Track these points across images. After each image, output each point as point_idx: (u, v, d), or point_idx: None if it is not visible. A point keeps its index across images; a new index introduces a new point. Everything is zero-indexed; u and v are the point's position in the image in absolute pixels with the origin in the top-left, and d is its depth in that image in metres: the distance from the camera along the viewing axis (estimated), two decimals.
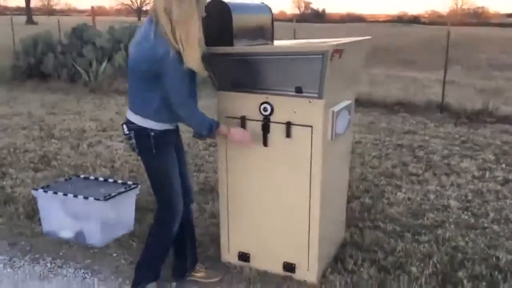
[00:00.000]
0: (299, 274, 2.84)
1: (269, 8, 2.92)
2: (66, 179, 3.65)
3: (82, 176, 3.69)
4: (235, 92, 2.71)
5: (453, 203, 4.05)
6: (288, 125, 2.62)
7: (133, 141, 2.47)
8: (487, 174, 4.82)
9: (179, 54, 2.25)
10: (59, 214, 3.29)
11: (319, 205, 2.68)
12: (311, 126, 2.58)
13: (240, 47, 2.57)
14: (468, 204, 4.02)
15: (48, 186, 3.44)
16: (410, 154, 5.47)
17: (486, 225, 3.62)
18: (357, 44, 2.84)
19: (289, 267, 2.86)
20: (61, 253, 3.15)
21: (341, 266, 2.99)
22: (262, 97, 2.65)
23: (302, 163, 2.65)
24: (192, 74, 2.38)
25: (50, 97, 8.81)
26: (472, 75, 12.67)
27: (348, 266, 2.98)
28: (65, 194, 3.21)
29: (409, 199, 4.15)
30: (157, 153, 2.46)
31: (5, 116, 7.15)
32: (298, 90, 2.56)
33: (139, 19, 50.28)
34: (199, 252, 3.11)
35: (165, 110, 2.39)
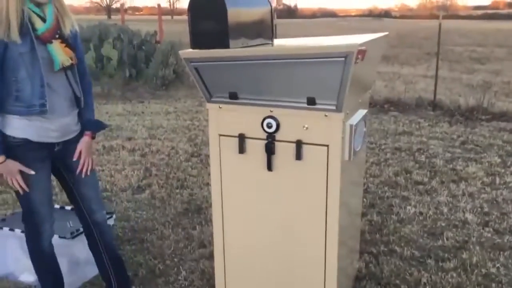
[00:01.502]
0: None
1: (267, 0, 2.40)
2: None
3: None
4: (231, 104, 2.18)
5: (470, 217, 3.61)
6: (299, 144, 2.11)
7: None
8: (497, 180, 4.42)
9: None
10: (18, 255, 2.72)
11: (337, 239, 2.18)
12: (327, 146, 2.08)
13: (238, 49, 2.04)
14: (487, 218, 3.59)
15: (3, 220, 2.86)
16: (411, 159, 5.04)
17: None
18: (377, 42, 2.35)
19: None
20: None
21: None
22: (265, 111, 2.13)
23: (316, 189, 2.14)
24: (2, 54, 2.03)
25: None
26: (455, 68, 12.40)
27: None
28: (23, 232, 2.63)
29: (421, 213, 3.70)
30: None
31: None
32: (311, 102, 2.05)
33: (109, 17, 49.03)
34: None
35: (10, 99, 2.12)
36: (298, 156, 2.12)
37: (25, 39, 2.05)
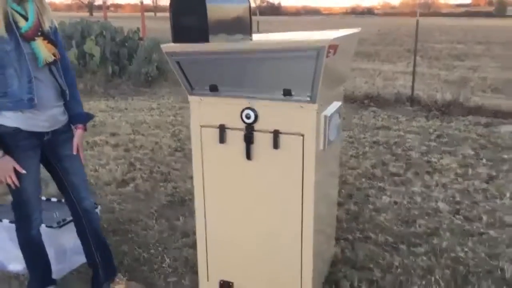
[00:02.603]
0: None
1: None
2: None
3: None
4: (211, 97, 2.30)
5: (442, 205, 3.78)
6: (276, 134, 2.23)
7: None
8: (470, 171, 4.60)
9: None
10: (6, 245, 2.80)
11: (313, 226, 2.32)
12: (303, 135, 2.20)
13: (217, 43, 2.16)
14: (458, 207, 3.77)
15: None
16: (388, 152, 5.21)
17: (482, 230, 3.37)
18: (349, 37, 2.48)
19: None
20: None
21: None
22: (244, 102, 2.25)
23: (292, 177, 2.27)
24: None
25: None
26: (434, 65, 12.65)
27: None
28: (12, 222, 2.72)
29: (395, 203, 3.86)
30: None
31: None
32: (287, 93, 2.18)
33: (91, 14, 48.59)
34: (174, 281, 2.73)
35: None
36: (275, 145, 2.24)
37: (10, 37, 2.13)
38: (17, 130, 2.24)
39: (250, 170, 2.33)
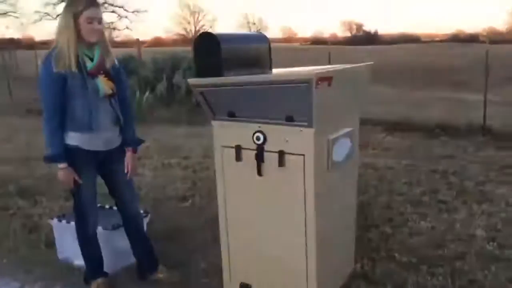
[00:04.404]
0: None
1: (265, 37, 2.94)
2: None
3: (98, 205, 3.80)
4: (229, 121, 2.72)
5: (479, 232, 3.82)
6: (281, 154, 2.59)
7: None
8: None
9: (50, 61, 2.68)
10: (73, 243, 3.38)
11: (315, 236, 2.61)
12: (303, 155, 2.54)
13: (224, 77, 2.59)
14: (495, 234, 3.78)
15: (63, 215, 3.56)
16: (443, 181, 5.24)
17: (511, 257, 3.38)
18: (352, 70, 2.79)
19: None
20: (71, 281, 3.24)
21: None
22: (255, 126, 2.64)
23: (296, 192, 2.60)
24: (63, 85, 2.69)
25: None
26: None
27: None
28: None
29: (433, 228, 3.96)
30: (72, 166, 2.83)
31: None
32: (289, 119, 2.53)
33: None
34: (205, 282, 3.14)
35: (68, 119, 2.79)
36: (281, 163, 2.60)
37: (80, 73, 2.74)
38: (79, 148, 2.82)
39: (261, 185, 2.70)
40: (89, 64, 2.78)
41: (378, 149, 6.86)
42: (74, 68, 2.70)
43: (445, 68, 19.17)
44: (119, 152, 3.01)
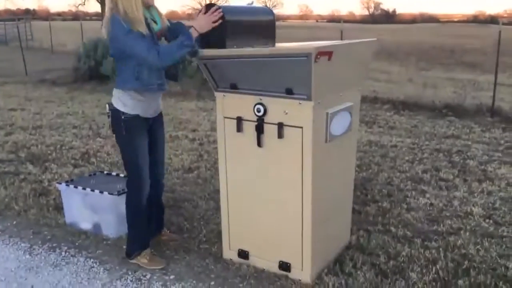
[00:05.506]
0: (294, 274, 2.88)
1: (271, 11, 2.99)
2: (90, 175, 3.89)
3: (105, 172, 3.93)
4: (231, 93, 2.80)
5: (476, 210, 3.89)
6: (280, 126, 2.67)
7: (109, 120, 2.91)
8: None
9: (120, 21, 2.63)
10: (80, 207, 3.53)
11: (311, 206, 2.71)
12: (301, 127, 2.61)
13: (227, 49, 2.65)
14: (492, 212, 3.85)
15: (72, 180, 3.69)
16: (445, 160, 5.29)
17: (505, 234, 3.46)
18: (354, 46, 2.83)
19: (285, 266, 2.90)
20: (77, 243, 3.38)
21: (339, 268, 2.98)
22: (256, 98, 2.71)
23: (294, 163, 2.69)
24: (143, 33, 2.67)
25: (105, 98, 9.30)
26: None
27: (346, 269, 2.97)
28: (84, 188, 3.44)
29: (431, 204, 4.04)
30: (127, 135, 2.87)
31: (61, 116, 7.67)
32: (289, 92, 2.60)
33: None
34: (205, 248, 3.26)
35: (132, 79, 2.77)
36: (280, 135, 2.68)
37: (150, 35, 2.75)
38: (137, 116, 2.85)
39: (261, 156, 2.79)
40: (156, 27, 2.82)
41: (385, 127, 6.90)
42: (145, 31, 2.69)
43: (459, 49, 18.95)
44: (160, 119, 3.08)
